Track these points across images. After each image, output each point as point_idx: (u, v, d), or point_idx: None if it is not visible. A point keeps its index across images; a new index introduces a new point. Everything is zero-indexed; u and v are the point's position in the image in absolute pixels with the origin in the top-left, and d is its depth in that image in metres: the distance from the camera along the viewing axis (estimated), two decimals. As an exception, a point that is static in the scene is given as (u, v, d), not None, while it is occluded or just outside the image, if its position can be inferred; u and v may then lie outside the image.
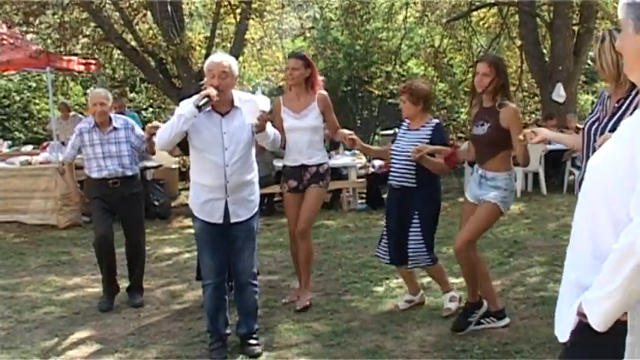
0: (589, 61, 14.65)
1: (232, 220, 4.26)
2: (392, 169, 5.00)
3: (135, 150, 5.57)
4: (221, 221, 4.23)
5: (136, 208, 5.62)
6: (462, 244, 4.45)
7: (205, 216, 4.24)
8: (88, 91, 16.31)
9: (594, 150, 3.52)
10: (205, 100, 4.03)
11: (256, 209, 4.41)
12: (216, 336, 4.35)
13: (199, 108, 4.04)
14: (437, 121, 5.00)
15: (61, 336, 4.88)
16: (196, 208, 4.28)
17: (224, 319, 4.39)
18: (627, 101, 3.49)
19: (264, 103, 4.22)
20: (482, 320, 4.63)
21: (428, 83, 5.11)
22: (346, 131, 5.09)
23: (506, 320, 4.67)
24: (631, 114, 3.23)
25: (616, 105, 3.53)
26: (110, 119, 5.49)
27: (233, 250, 4.32)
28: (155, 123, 5.33)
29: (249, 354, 4.35)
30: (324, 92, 5.32)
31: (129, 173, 5.50)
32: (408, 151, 4.75)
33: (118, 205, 5.49)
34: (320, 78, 5.38)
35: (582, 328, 1.85)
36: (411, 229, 4.83)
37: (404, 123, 5.06)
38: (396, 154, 4.93)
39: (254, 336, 4.47)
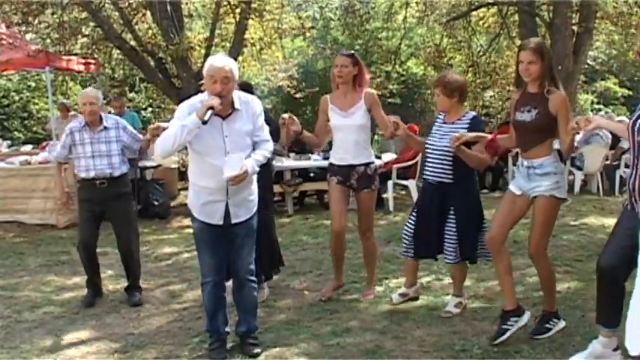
0: (588, 61, 14.67)
1: (233, 221, 4.24)
2: (427, 164, 4.91)
3: (127, 149, 5.57)
4: (221, 222, 4.21)
5: (125, 208, 5.61)
6: (536, 249, 4.35)
7: (205, 217, 4.22)
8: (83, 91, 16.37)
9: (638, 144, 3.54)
10: (210, 112, 3.96)
11: (255, 209, 4.39)
12: (215, 335, 4.35)
13: (204, 122, 3.98)
14: (474, 113, 4.89)
15: (61, 336, 4.88)
16: (196, 210, 4.25)
17: (223, 318, 4.39)
18: None
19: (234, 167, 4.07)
20: (547, 325, 4.46)
21: (462, 75, 4.91)
22: (392, 117, 5.08)
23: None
24: None
25: None
26: (101, 118, 5.49)
27: (232, 248, 4.31)
28: (157, 124, 5.33)
29: (247, 354, 4.35)
30: (372, 90, 5.31)
31: (117, 174, 5.48)
32: (445, 146, 4.65)
33: (107, 205, 5.49)
34: (367, 76, 5.35)
35: None
36: (447, 225, 4.78)
37: (439, 116, 4.96)
38: (431, 149, 4.84)
39: (253, 335, 4.46)
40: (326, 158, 9.88)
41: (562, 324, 4.49)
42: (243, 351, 4.38)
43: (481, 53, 14.41)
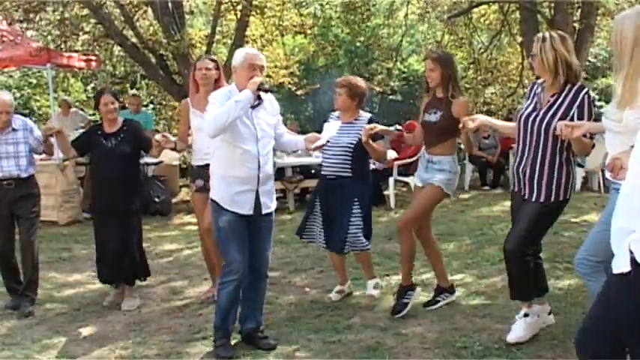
0: (590, 58, 14.64)
1: (263, 211, 4.31)
2: (325, 161, 5.27)
3: (33, 151, 5.51)
4: (252, 212, 4.25)
5: (28, 209, 5.47)
6: (404, 224, 4.89)
7: (237, 208, 4.23)
8: (89, 88, 16.37)
9: (530, 138, 4.08)
10: (264, 86, 4.16)
11: (276, 202, 4.51)
12: (223, 332, 4.33)
13: (265, 91, 4.17)
14: (369, 115, 5.31)
15: (62, 332, 4.88)
16: (226, 201, 4.24)
17: (234, 316, 4.40)
18: (561, 96, 4.01)
19: None
20: (437, 298, 5.10)
21: (366, 82, 5.45)
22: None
23: (455, 294, 5.18)
24: (566, 107, 3.96)
25: (551, 99, 4.03)
26: (10, 120, 5.41)
27: (256, 240, 4.34)
28: (49, 125, 5.34)
29: (265, 347, 4.35)
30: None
31: (24, 175, 5.41)
32: (343, 143, 5.10)
33: (14, 206, 5.41)
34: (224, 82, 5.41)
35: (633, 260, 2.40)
36: (352, 216, 5.08)
37: (332, 116, 5.37)
38: (329, 146, 5.07)
39: (261, 330, 4.49)
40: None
41: (455, 294, 5.16)
42: (258, 347, 4.37)
43: (482, 50, 14.39)
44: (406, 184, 10.34)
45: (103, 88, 6.05)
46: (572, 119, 3.93)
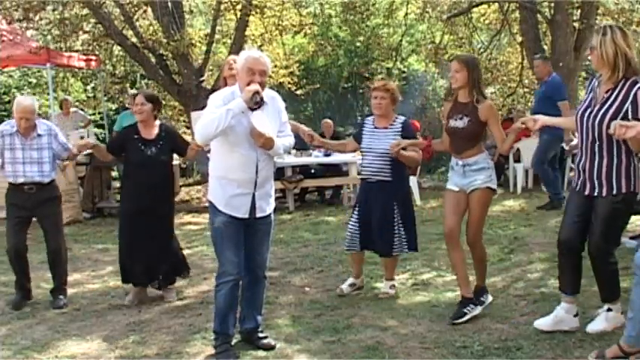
0: (590, 58, 14.59)
1: (257, 215, 4.26)
2: (365, 165, 5.43)
3: (57, 157, 5.52)
4: (247, 216, 4.21)
5: (54, 212, 5.52)
6: (474, 237, 4.84)
7: (231, 210, 4.18)
8: (88, 88, 16.35)
9: (587, 134, 4.12)
10: (257, 97, 4.03)
11: (274, 205, 4.45)
12: (223, 337, 4.26)
13: (256, 103, 4.04)
14: (404, 118, 5.43)
15: (62, 332, 4.88)
16: (221, 203, 4.20)
17: (233, 319, 4.33)
18: (615, 92, 4.02)
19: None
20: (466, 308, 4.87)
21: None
22: (304, 127, 5.43)
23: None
24: (620, 103, 3.98)
25: (605, 95, 4.05)
26: (34, 125, 5.38)
27: (253, 244, 4.31)
28: (85, 141, 5.35)
29: (264, 347, 4.35)
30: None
31: (46, 180, 5.42)
32: (382, 149, 5.22)
33: (35, 210, 5.44)
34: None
35: None
36: (394, 219, 5.26)
37: (368, 121, 5.50)
38: (368, 151, 5.36)
39: (260, 330, 4.48)
40: (327, 155, 9.94)
41: (489, 297, 5.01)
42: (258, 346, 4.36)
43: (482, 50, 14.38)
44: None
45: (139, 91, 6.00)
46: (625, 115, 3.95)
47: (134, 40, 11.73)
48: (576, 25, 11.97)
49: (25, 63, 11.80)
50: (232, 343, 4.33)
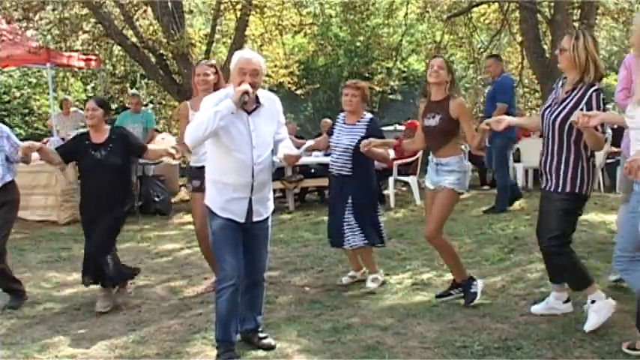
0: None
1: (254, 219, 4.21)
2: (331, 160, 5.64)
3: (10, 159, 5.38)
4: (243, 220, 4.16)
5: (3, 216, 5.40)
6: (431, 233, 5.06)
7: (228, 214, 4.14)
8: (88, 88, 16.36)
9: (547, 131, 4.36)
10: (245, 97, 3.97)
11: (272, 208, 4.41)
12: (226, 345, 4.18)
13: (245, 103, 4.00)
14: (371, 115, 5.66)
15: (62, 332, 4.88)
16: (218, 207, 4.16)
17: (235, 326, 4.25)
18: (573, 93, 4.28)
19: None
20: (450, 292, 5.21)
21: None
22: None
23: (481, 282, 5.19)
24: (575, 103, 4.23)
25: (564, 95, 4.32)
26: None
27: (251, 248, 4.26)
28: (29, 144, 5.19)
29: (264, 347, 4.34)
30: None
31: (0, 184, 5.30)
32: (345, 145, 5.46)
33: None
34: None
35: None
36: (345, 213, 5.46)
37: (339, 118, 5.69)
38: (335, 146, 5.57)
39: (260, 330, 4.47)
40: (327, 155, 9.93)
41: (480, 282, 5.15)
42: (258, 346, 4.35)
43: (482, 50, 14.37)
44: (406, 183, 10.34)
45: (90, 96, 5.88)
46: None
47: (134, 39, 11.73)
48: (576, 25, 11.96)
49: (25, 63, 11.80)
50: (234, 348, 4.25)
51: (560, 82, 4.45)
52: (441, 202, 5.00)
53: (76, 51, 12.20)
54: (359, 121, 5.53)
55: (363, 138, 5.29)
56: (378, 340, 4.43)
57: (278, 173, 9.37)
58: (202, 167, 5.04)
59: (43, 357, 4.43)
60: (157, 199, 9.96)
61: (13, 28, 11.49)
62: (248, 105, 4.08)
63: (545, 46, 12.41)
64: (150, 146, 5.63)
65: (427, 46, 14.92)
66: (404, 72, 16.96)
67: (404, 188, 11.06)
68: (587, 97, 4.21)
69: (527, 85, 15.04)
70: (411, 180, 10.01)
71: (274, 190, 9.69)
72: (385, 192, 9.89)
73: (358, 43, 16.51)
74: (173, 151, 5.32)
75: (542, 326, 4.50)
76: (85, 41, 12.38)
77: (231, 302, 4.15)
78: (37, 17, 11.67)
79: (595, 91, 4.21)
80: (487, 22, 14.78)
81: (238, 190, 4.12)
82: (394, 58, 15.12)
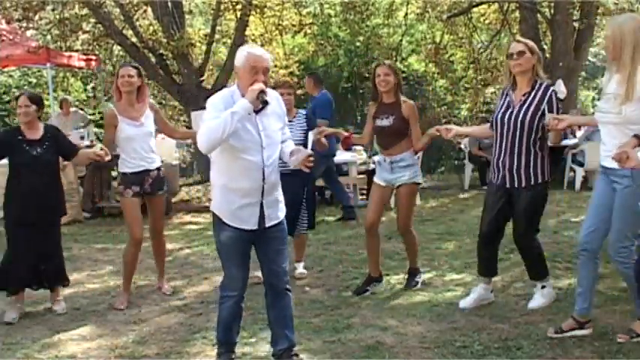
0: (589, 58, 14.61)
1: (267, 224, 3.92)
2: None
3: None
4: (255, 227, 3.89)
5: None
6: (405, 227, 5.54)
7: (239, 223, 3.86)
8: (88, 88, 16.36)
9: (507, 133, 4.66)
10: (264, 96, 3.73)
11: (284, 210, 4.09)
12: (227, 346, 4.12)
13: (263, 102, 3.75)
14: (304, 111, 6.09)
15: (62, 332, 4.87)
16: (227, 215, 3.88)
17: (237, 328, 4.14)
18: (532, 94, 4.62)
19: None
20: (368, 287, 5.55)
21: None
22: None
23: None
24: (537, 104, 4.58)
25: (522, 98, 4.64)
26: None
27: (268, 253, 3.99)
28: None
29: None
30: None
31: None
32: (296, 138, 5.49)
33: None
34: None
35: None
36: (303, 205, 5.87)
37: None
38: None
39: (294, 348, 4.10)
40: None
41: (422, 276, 5.72)
42: None
43: (482, 50, 14.38)
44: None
45: (21, 92, 5.71)
46: (542, 114, 4.58)
47: (134, 39, 11.74)
48: (576, 25, 11.98)
49: (24, 63, 11.80)
50: (235, 352, 4.18)
51: (510, 89, 4.77)
52: (406, 198, 5.44)
53: (76, 51, 12.20)
54: (295, 117, 5.88)
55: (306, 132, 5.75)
56: (378, 340, 4.43)
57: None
58: (143, 172, 5.43)
59: (43, 357, 4.43)
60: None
61: (13, 28, 11.50)
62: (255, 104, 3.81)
63: (545, 46, 12.43)
64: (81, 150, 5.47)
65: (427, 46, 14.93)
66: (404, 72, 16.93)
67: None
68: (547, 97, 4.61)
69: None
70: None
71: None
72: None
73: (358, 43, 16.51)
74: (102, 152, 5.09)
75: (542, 326, 4.50)
76: (85, 41, 12.39)
77: (234, 309, 4.03)
78: (36, 17, 11.67)
79: (553, 91, 4.64)
80: (487, 22, 14.79)
81: (248, 195, 3.84)
82: (394, 59, 15.11)
